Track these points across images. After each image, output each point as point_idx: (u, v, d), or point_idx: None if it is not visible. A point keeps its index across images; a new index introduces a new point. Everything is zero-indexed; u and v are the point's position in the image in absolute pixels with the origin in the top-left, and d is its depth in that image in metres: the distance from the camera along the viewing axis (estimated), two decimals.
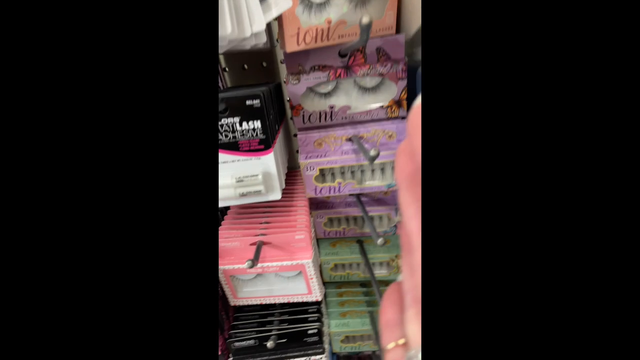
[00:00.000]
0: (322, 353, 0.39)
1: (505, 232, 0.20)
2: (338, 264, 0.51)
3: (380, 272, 0.53)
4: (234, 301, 0.41)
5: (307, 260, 0.37)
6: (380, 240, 0.33)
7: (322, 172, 0.40)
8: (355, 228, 0.47)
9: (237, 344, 0.40)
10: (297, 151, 0.43)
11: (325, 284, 0.53)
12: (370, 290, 0.55)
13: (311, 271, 0.38)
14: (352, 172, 0.40)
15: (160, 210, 0.24)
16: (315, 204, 0.46)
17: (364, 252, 0.48)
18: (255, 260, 0.34)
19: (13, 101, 0.22)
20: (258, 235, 0.38)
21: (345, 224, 0.47)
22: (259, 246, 0.36)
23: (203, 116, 0.24)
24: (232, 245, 0.38)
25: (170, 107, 0.24)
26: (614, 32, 0.18)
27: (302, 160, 0.38)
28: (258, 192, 0.33)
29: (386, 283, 0.56)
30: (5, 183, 0.23)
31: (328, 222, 0.47)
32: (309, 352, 0.39)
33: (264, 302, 0.41)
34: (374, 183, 0.40)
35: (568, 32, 0.18)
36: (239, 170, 0.33)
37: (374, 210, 0.45)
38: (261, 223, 0.40)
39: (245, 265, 0.33)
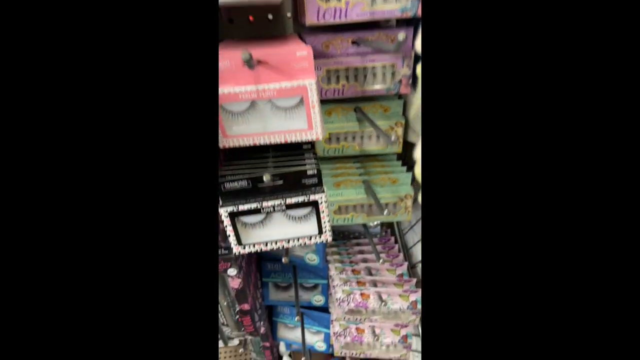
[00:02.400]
0: (323, 192, 0.36)
1: (505, 233, 0.24)
2: (332, 135, 0.48)
3: (377, 146, 0.50)
4: (223, 141, 0.36)
5: (309, 80, 0.34)
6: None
7: None
8: (356, 85, 0.44)
9: (227, 185, 0.36)
10: None
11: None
12: (364, 163, 0.52)
13: (313, 98, 0.34)
14: None
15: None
16: (314, 54, 0.42)
17: (363, 114, 0.45)
18: (250, 57, 0.30)
19: (14, 99, 0.23)
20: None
21: (344, 79, 0.43)
22: (250, 60, 0.32)
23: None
24: (222, 66, 0.33)
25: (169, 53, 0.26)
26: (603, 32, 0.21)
27: None
28: None
29: (382, 160, 0.54)
30: (6, 180, 0.24)
31: (326, 78, 0.43)
32: (308, 193, 0.36)
33: (257, 142, 0.36)
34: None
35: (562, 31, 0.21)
36: None
37: (377, 60, 0.42)
38: (257, 46, 0.35)
39: (242, 57, 0.29)
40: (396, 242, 0.64)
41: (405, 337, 0.60)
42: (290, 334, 0.71)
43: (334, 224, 0.51)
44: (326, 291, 0.63)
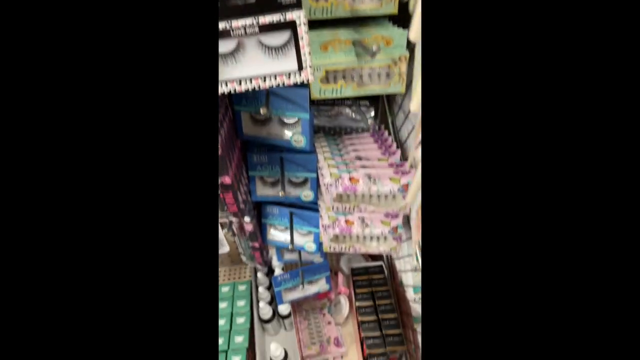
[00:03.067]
0: (301, 10, 0.31)
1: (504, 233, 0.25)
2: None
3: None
4: None
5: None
6: None
7: None
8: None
9: None
10: None
11: None
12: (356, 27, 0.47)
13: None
14: None
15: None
16: None
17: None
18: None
19: (13, 100, 0.23)
20: None
21: None
22: None
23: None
24: None
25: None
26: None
27: None
28: None
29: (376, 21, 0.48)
30: (6, 181, 0.23)
31: None
32: (284, 11, 0.31)
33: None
34: None
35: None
36: None
37: None
38: None
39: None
40: (390, 134, 0.60)
41: (395, 229, 0.58)
42: (280, 236, 0.70)
43: (322, 96, 0.47)
44: (315, 186, 0.60)
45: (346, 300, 0.84)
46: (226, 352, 0.68)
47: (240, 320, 0.73)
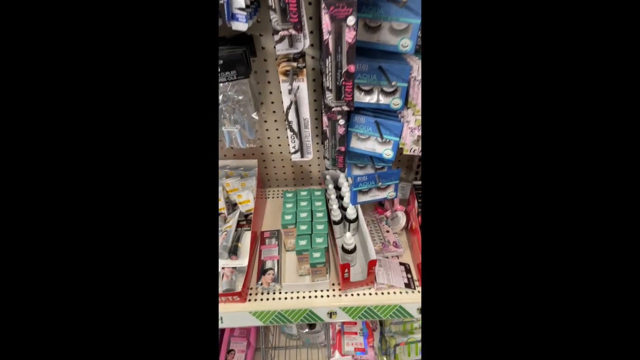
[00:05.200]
0: None
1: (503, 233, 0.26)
2: None
3: None
4: None
5: None
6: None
7: None
8: None
9: None
10: None
11: None
12: None
13: None
14: None
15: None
16: None
17: None
18: None
19: (14, 101, 0.22)
20: None
21: None
22: None
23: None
24: None
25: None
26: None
27: None
28: None
29: None
30: (6, 183, 0.23)
31: None
32: None
33: None
34: None
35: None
36: None
37: None
38: None
39: None
40: None
41: None
42: (361, 145, 0.81)
43: None
44: (404, 95, 0.71)
45: (403, 214, 0.97)
46: (310, 235, 0.82)
47: (319, 214, 0.87)
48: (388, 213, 1.00)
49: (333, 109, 0.66)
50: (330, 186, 0.96)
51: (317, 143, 1.03)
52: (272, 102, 0.94)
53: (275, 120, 0.98)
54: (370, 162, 0.86)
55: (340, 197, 0.97)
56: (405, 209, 0.97)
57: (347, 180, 0.98)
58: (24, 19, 0.23)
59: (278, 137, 1.02)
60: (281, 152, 1.06)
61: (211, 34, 0.28)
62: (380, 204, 1.06)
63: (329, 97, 0.64)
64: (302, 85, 0.71)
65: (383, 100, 0.72)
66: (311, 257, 0.78)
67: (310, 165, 1.10)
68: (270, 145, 1.05)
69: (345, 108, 0.66)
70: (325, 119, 0.74)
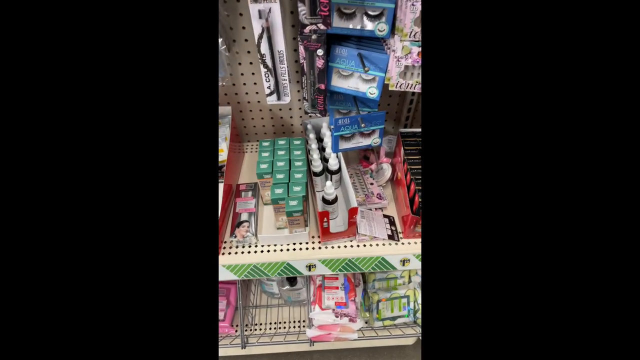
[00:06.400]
0: None
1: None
2: None
3: None
4: None
5: None
6: None
7: None
8: None
9: None
10: None
11: None
12: None
13: None
14: None
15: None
16: None
17: None
18: None
19: (14, 101, 0.24)
20: None
21: None
22: None
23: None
24: None
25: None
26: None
27: None
28: None
29: None
30: (6, 182, 0.24)
31: None
32: None
33: None
34: None
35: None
36: None
37: None
38: None
39: None
40: None
41: None
42: (343, 82, 0.73)
43: None
44: (391, 18, 0.62)
45: (389, 166, 0.90)
46: (287, 183, 0.76)
47: (298, 163, 0.80)
48: (373, 166, 0.94)
49: (308, 28, 0.58)
50: (312, 135, 0.88)
51: (299, 89, 0.95)
52: (246, 40, 0.84)
53: (251, 63, 0.89)
54: (354, 106, 0.78)
55: (322, 149, 0.90)
56: (392, 161, 0.91)
57: (330, 130, 0.90)
58: (25, 20, 0.23)
59: (255, 84, 0.93)
60: (259, 102, 0.98)
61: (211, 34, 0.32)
62: (365, 158, 0.99)
63: (303, 11, 0.55)
64: (275, 7, 0.61)
65: (367, 25, 0.64)
66: (287, 205, 0.72)
67: (291, 117, 1.02)
68: (246, 93, 0.96)
69: (322, 26, 0.57)
70: (301, 49, 0.65)
